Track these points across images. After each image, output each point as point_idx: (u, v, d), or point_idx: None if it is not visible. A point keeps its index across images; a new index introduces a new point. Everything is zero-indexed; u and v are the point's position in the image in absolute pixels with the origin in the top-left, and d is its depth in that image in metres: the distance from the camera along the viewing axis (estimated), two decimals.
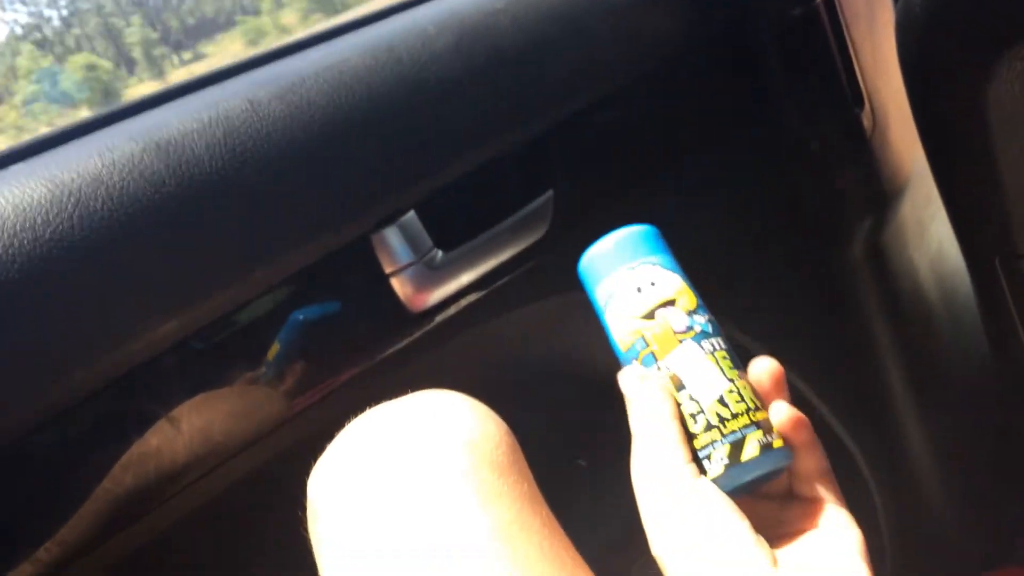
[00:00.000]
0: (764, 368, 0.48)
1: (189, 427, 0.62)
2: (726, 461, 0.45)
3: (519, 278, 0.75)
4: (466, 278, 0.72)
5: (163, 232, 0.58)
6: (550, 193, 0.78)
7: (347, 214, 0.66)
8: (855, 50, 0.93)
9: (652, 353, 0.47)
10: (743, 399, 0.46)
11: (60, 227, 0.55)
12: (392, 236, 0.69)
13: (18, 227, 0.54)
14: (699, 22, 0.91)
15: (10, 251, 0.53)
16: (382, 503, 0.46)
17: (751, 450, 0.45)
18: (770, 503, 0.49)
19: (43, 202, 0.55)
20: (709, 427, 0.45)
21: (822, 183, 1.01)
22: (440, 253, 0.71)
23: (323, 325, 0.68)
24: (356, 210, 0.67)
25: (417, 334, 0.71)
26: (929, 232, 1.05)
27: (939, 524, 1.10)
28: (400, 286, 0.69)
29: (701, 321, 0.48)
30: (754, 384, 0.48)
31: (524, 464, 0.50)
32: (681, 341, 0.47)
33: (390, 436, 0.49)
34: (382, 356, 0.70)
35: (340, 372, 0.68)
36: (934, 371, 1.07)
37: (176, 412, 0.62)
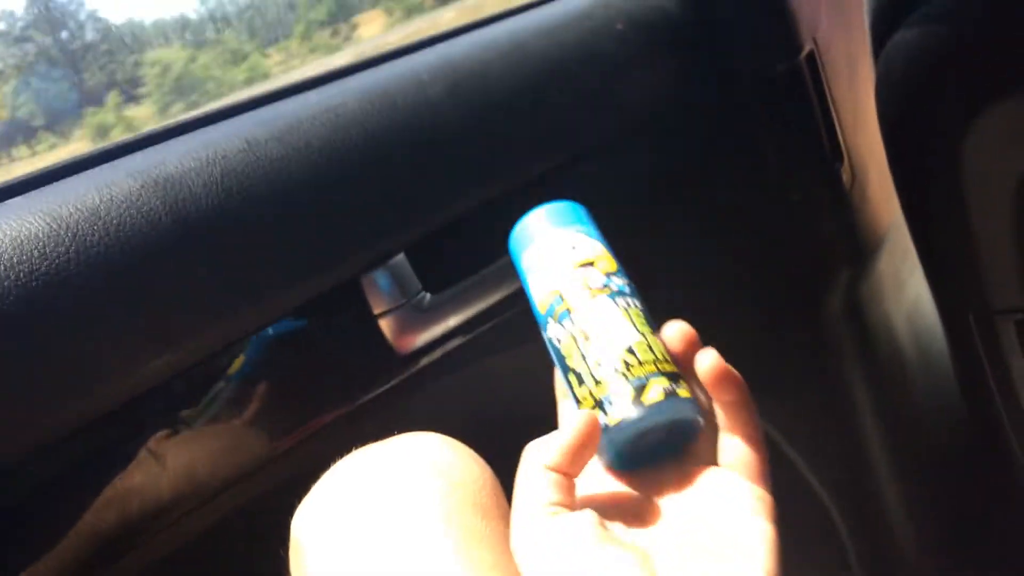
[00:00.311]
0: (676, 330, 0.47)
1: (174, 464, 0.62)
2: (630, 405, 0.44)
3: (506, 322, 0.76)
4: (453, 321, 0.73)
5: (158, 268, 0.59)
6: None
7: (340, 255, 0.67)
8: (835, 106, 0.96)
9: (567, 309, 0.48)
10: (652, 350, 0.46)
11: (57, 262, 0.55)
12: (382, 278, 0.70)
13: (15, 260, 0.54)
14: (686, 78, 0.93)
15: (6, 284, 0.53)
16: (365, 544, 0.47)
17: (654, 394, 0.44)
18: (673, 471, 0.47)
19: (41, 236, 0.56)
20: (615, 373, 0.45)
21: (802, 236, 1.03)
22: (428, 296, 0.72)
23: (290, 342, 0.68)
24: (348, 252, 0.67)
25: (404, 375, 0.72)
26: (906, 286, 1.07)
27: (911, 573, 1.10)
28: (388, 327, 0.70)
29: (618, 282, 0.49)
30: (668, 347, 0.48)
31: (506, 507, 0.50)
32: (595, 297, 0.48)
33: (374, 477, 0.50)
34: (369, 397, 0.70)
35: (326, 412, 0.69)
36: (908, 423, 1.08)
37: (161, 449, 0.62)
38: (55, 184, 0.62)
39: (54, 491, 0.60)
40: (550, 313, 0.49)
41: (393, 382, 0.71)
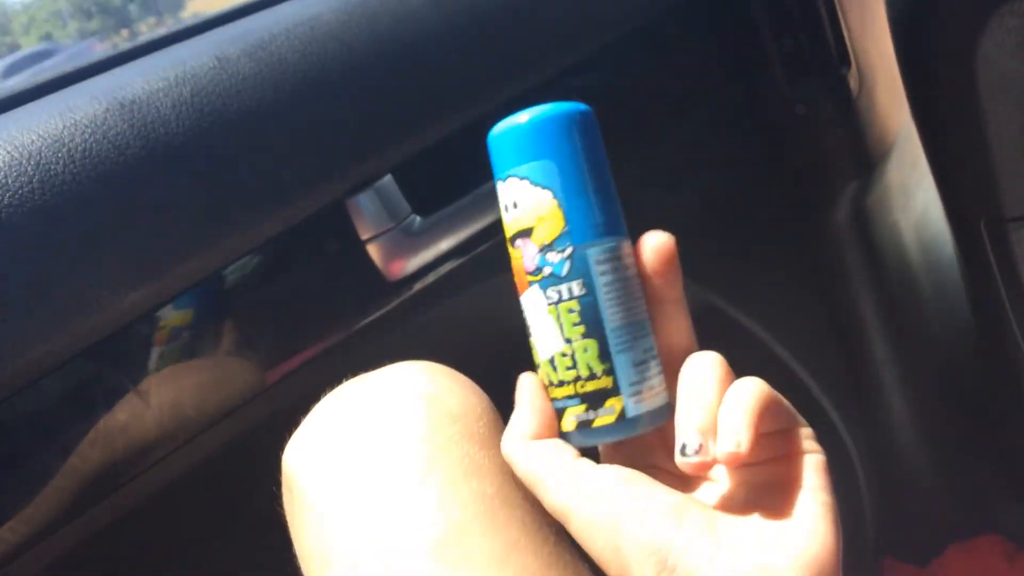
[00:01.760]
0: (652, 246, 0.42)
1: (158, 400, 0.60)
2: (560, 420, 0.43)
3: (501, 243, 0.73)
4: (445, 244, 0.70)
5: (128, 196, 0.56)
6: None
7: (320, 178, 0.63)
8: (842, 9, 0.92)
9: (516, 284, 0.43)
10: (575, 366, 0.41)
11: (20, 191, 0.52)
12: (368, 201, 0.66)
13: None
14: None
15: None
16: (360, 478, 0.45)
17: (567, 424, 0.42)
18: None
19: (2, 166, 0.53)
20: (548, 383, 0.43)
21: (807, 146, 1.00)
22: (418, 219, 0.69)
23: (259, 293, 0.65)
24: (330, 173, 0.64)
25: (395, 302, 0.69)
26: (914, 196, 1.04)
27: (920, 491, 1.10)
28: (377, 253, 0.67)
29: (555, 259, 0.41)
30: (647, 271, 0.42)
31: None
32: (529, 284, 0.42)
33: (368, 408, 0.48)
34: (359, 325, 0.68)
35: (315, 342, 0.67)
36: (916, 337, 1.07)
37: (144, 385, 0.60)
38: (13, 111, 0.58)
39: (36, 433, 0.58)
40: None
41: (384, 310, 0.69)
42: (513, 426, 0.43)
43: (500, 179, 0.43)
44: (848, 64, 0.93)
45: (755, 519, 0.40)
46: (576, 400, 0.41)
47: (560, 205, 0.41)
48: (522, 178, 0.41)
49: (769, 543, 0.38)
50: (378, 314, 0.68)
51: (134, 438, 0.59)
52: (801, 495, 0.39)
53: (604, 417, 0.41)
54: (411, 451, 0.45)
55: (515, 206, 0.42)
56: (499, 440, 0.47)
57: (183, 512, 0.66)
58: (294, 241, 0.65)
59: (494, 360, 0.66)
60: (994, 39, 0.74)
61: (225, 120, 0.59)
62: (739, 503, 0.41)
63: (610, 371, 0.41)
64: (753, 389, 0.39)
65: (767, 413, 0.39)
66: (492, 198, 0.72)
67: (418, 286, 0.70)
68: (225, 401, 0.62)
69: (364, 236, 0.67)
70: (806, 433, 0.41)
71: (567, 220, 0.41)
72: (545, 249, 0.41)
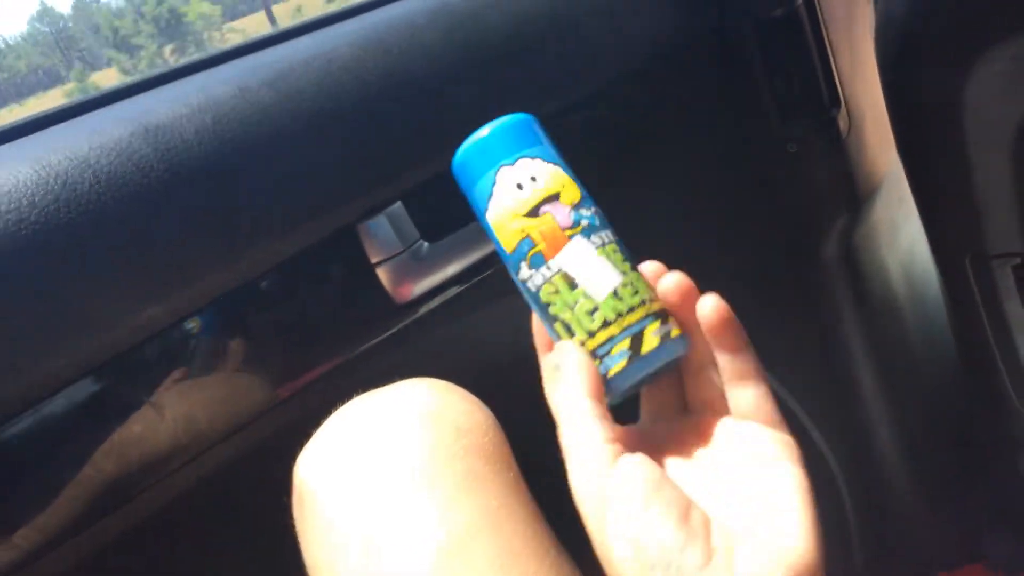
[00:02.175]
0: (650, 272, 0.47)
1: (173, 413, 0.62)
2: (628, 355, 0.44)
3: (504, 269, 0.75)
4: (452, 269, 0.72)
5: (150, 216, 0.58)
6: None
7: (334, 203, 0.66)
8: (833, 52, 0.95)
9: (540, 252, 0.45)
10: (638, 291, 0.45)
11: (47, 209, 0.54)
12: (379, 226, 0.69)
13: (3, 208, 0.53)
14: (683, 21, 0.92)
15: None
16: (368, 489, 0.47)
17: (651, 341, 0.44)
18: (693, 423, 0.47)
19: (30, 184, 0.55)
20: (606, 323, 0.44)
21: (798, 183, 1.03)
22: (426, 244, 0.71)
23: (273, 312, 0.67)
24: (343, 199, 0.67)
25: (402, 324, 0.71)
26: (901, 232, 1.07)
27: (906, 520, 1.12)
28: (386, 276, 0.70)
29: (587, 214, 0.46)
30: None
31: (509, 452, 0.50)
32: (570, 237, 0.45)
33: (377, 423, 0.50)
34: (367, 346, 0.70)
35: (325, 361, 0.68)
36: (903, 368, 1.09)
37: (159, 398, 0.62)
38: (43, 132, 0.61)
39: (53, 443, 0.60)
40: (520, 256, 0.46)
41: (391, 331, 0.71)
42: (569, 381, 0.43)
43: (506, 163, 0.47)
44: (838, 105, 0.96)
45: (742, 524, 0.41)
46: (651, 318, 0.45)
47: (571, 177, 0.47)
48: (534, 157, 0.47)
49: (756, 550, 0.39)
50: (386, 335, 0.70)
51: (148, 450, 0.61)
52: (786, 509, 0.41)
53: (674, 328, 0.45)
54: (417, 464, 0.47)
55: (534, 179, 0.46)
56: (504, 455, 0.49)
57: (194, 523, 0.67)
58: (307, 263, 0.67)
59: (497, 380, 0.67)
60: (980, 83, 0.77)
61: (245, 147, 0.61)
62: (728, 510, 0.42)
63: (653, 299, 0.45)
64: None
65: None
66: None
67: (424, 309, 0.72)
68: (238, 415, 0.64)
69: (374, 260, 0.69)
70: (788, 440, 0.44)
71: (580, 188, 0.47)
72: (576, 206, 0.46)
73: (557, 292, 0.45)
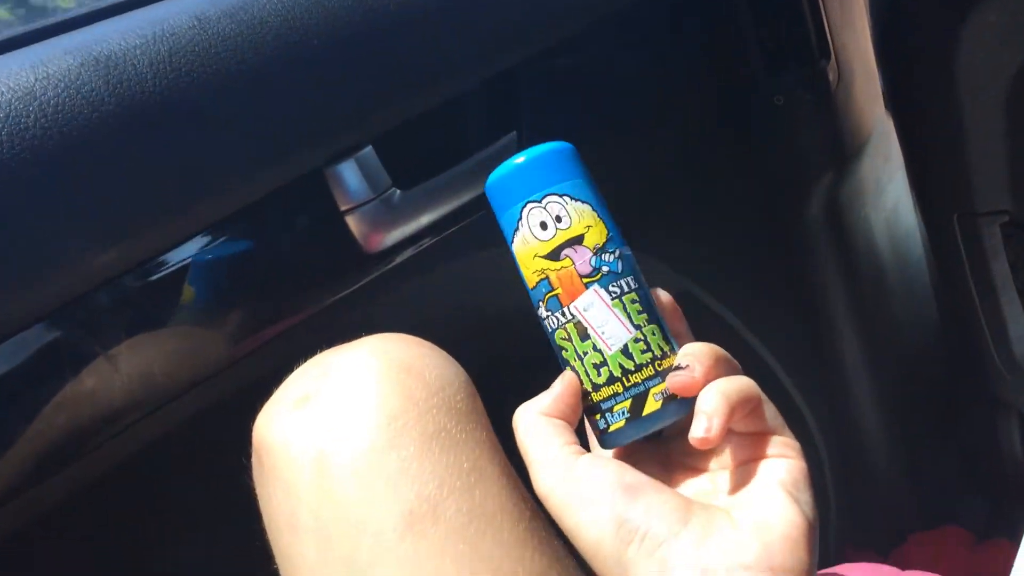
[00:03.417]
0: (667, 307, 0.47)
1: (128, 367, 0.58)
2: (627, 415, 0.44)
3: (480, 221, 0.72)
4: (426, 219, 0.69)
5: (102, 154, 0.54)
6: (513, 135, 0.76)
7: (299, 144, 0.62)
8: (824, 2, 0.92)
9: (557, 296, 0.45)
10: (649, 348, 0.44)
11: None
12: (348, 172, 0.65)
13: None
14: None
15: None
16: (332, 449, 0.44)
17: (653, 404, 0.44)
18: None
19: None
20: (612, 379, 0.44)
21: (784, 138, 1.00)
22: (398, 192, 0.68)
23: (233, 263, 0.64)
24: (309, 141, 0.63)
25: (373, 275, 0.68)
26: (887, 191, 1.05)
27: (884, 482, 1.12)
28: (356, 225, 0.66)
29: (609, 259, 0.45)
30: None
31: (482, 411, 0.48)
32: (586, 286, 0.45)
33: (342, 379, 0.47)
34: (336, 298, 0.67)
35: (291, 314, 0.65)
36: (884, 329, 1.08)
37: (114, 350, 0.58)
38: None
39: (1, 395, 0.56)
40: (539, 295, 0.46)
41: (361, 282, 0.68)
42: (534, 400, 0.44)
43: (532, 200, 0.46)
44: (828, 57, 0.94)
45: (731, 518, 0.40)
46: (658, 379, 0.44)
47: (599, 216, 0.46)
48: (562, 194, 0.46)
49: (740, 541, 0.38)
50: (356, 286, 0.67)
51: (101, 404, 0.57)
52: (780, 501, 0.40)
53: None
54: (385, 423, 0.44)
55: (559, 220, 0.45)
56: (477, 414, 0.47)
57: (151, 482, 0.64)
58: (271, 210, 0.63)
59: (471, 335, 0.65)
60: (973, 35, 0.75)
61: (203, 81, 0.57)
62: (719, 500, 0.42)
63: (673, 351, 0.45)
64: (739, 384, 0.41)
65: (748, 409, 0.41)
66: (473, 175, 0.72)
67: (397, 260, 0.69)
68: (197, 370, 0.61)
69: (343, 207, 0.66)
70: (788, 442, 0.43)
71: (608, 228, 0.46)
72: (599, 251, 0.45)
73: (569, 340, 0.45)
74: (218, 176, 0.58)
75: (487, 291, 0.77)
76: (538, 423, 0.43)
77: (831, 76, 0.94)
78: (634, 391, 0.44)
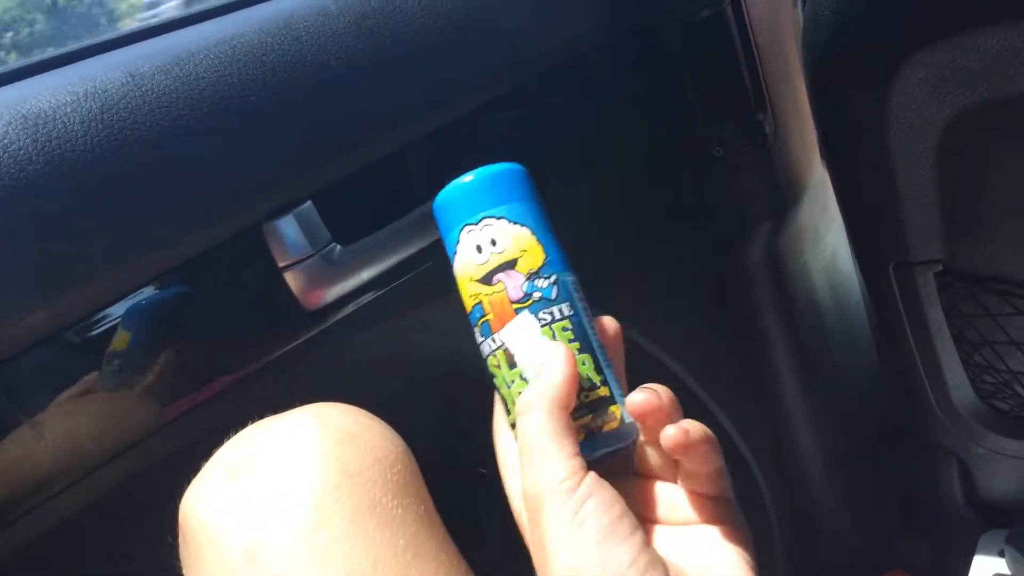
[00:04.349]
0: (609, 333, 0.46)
1: (54, 434, 0.56)
2: None
3: (422, 275, 0.71)
4: (366, 274, 0.68)
5: (28, 215, 0.52)
6: None
7: (236, 200, 0.61)
8: (760, 53, 0.94)
9: (488, 322, 0.44)
10: (578, 379, 0.43)
11: None
12: (287, 227, 0.64)
13: None
14: (608, 19, 0.90)
15: None
16: (263, 533, 0.42)
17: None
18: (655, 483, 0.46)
19: None
20: None
21: (723, 187, 1.02)
22: (338, 247, 0.67)
23: (166, 317, 0.62)
24: (246, 197, 0.62)
25: (311, 333, 0.67)
26: (824, 240, 1.07)
27: (828, 526, 1.12)
28: (295, 281, 0.65)
29: (543, 285, 0.44)
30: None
31: (420, 483, 0.47)
32: (516, 312, 0.43)
33: (273, 457, 0.45)
34: (272, 356, 0.65)
35: (225, 373, 0.63)
36: (826, 375, 1.09)
37: (39, 417, 0.56)
38: None
39: None
40: (474, 319, 0.45)
41: (299, 340, 0.66)
42: (545, 394, 0.41)
43: (469, 223, 0.45)
44: (764, 109, 0.95)
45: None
46: (583, 411, 0.42)
47: (538, 239, 0.45)
48: (499, 217, 0.45)
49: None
50: (292, 344, 0.66)
51: (25, 473, 0.55)
52: (724, 548, 0.42)
53: (609, 423, 0.43)
54: (318, 502, 0.43)
55: (494, 243, 0.44)
56: (414, 489, 0.46)
57: (76, 553, 0.61)
58: (207, 267, 0.62)
59: (409, 392, 0.64)
60: (904, 89, 0.77)
61: (137, 137, 0.56)
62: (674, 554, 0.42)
63: (605, 382, 0.43)
64: (697, 423, 0.42)
65: (708, 447, 0.42)
66: (414, 230, 0.71)
67: (335, 317, 0.68)
68: (126, 435, 0.59)
69: (281, 263, 0.64)
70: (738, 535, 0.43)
71: (546, 252, 0.44)
72: (532, 276, 0.44)
73: (499, 367, 0.44)
74: (151, 236, 0.57)
75: (429, 348, 0.76)
76: (546, 436, 0.40)
77: (768, 128, 0.96)
78: None
